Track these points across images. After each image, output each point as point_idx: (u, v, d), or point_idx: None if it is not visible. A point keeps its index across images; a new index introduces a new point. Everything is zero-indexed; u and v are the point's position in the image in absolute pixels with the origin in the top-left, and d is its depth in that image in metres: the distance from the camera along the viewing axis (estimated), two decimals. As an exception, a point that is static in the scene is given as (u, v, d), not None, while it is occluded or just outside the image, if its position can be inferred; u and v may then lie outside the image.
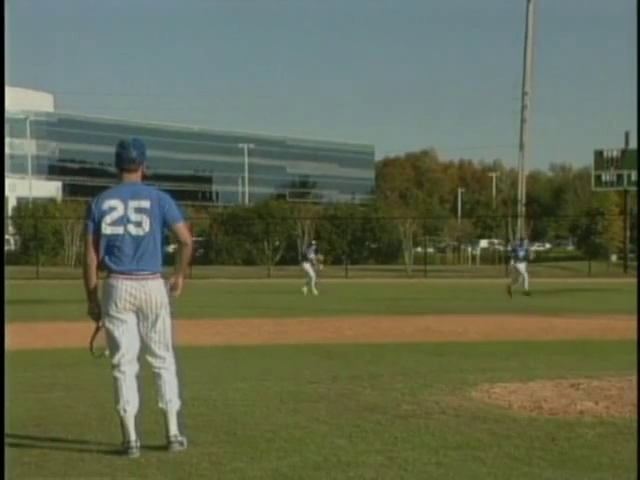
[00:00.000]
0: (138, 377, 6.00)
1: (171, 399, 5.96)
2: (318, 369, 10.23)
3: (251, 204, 78.52)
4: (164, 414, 5.95)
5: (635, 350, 12.32)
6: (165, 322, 5.99)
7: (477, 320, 18.38)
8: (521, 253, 28.30)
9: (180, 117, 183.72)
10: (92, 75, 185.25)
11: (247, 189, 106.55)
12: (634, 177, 51.48)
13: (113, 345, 5.95)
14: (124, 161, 6.00)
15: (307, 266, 30.11)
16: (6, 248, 59.69)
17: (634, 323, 17.12)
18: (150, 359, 6.00)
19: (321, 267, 31.13)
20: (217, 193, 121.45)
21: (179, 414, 6.01)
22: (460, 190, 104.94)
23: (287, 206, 69.78)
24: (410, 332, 15.84)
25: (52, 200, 73.61)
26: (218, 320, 17.74)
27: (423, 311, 20.86)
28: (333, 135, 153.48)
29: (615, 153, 52.08)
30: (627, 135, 52.29)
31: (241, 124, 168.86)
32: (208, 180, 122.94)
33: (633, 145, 52.18)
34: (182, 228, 6.00)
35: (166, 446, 5.88)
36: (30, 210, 63.47)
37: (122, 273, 5.86)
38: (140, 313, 5.92)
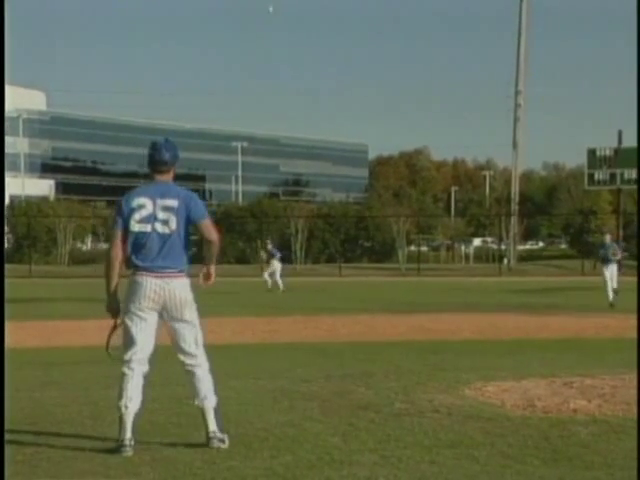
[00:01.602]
0: (145, 377, 6.01)
1: (206, 396, 5.99)
2: (312, 368, 10.24)
3: (244, 203, 78.46)
4: (201, 411, 5.99)
5: (629, 348, 12.35)
6: (192, 319, 6.03)
7: (471, 318, 18.41)
8: (603, 252, 22.64)
9: (173, 115, 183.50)
10: (85, 73, 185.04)
11: (240, 187, 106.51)
12: (627, 176, 51.60)
13: (128, 341, 5.96)
14: (156, 163, 6.08)
15: (275, 262, 31.26)
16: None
17: (627, 322, 17.16)
18: (181, 357, 6.02)
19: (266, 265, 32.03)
20: (210, 191, 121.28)
21: (216, 411, 6.02)
22: (453, 189, 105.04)
23: (280, 205, 69.72)
24: (404, 331, 15.86)
25: (45, 198, 73.58)
26: (211, 319, 17.72)
27: (417, 310, 20.88)
28: (327, 133, 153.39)
29: (608, 152, 52.15)
30: (620, 134, 52.39)
31: (234, 122, 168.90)
32: (201, 178, 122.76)
33: (626, 144, 52.31)
34: (208, 225, 6.05)
35: (205, 443, 5.91)
36: (23, 208, 63.31)
37: (148, 270, 5.89)
38: (165, 311, 5.94)
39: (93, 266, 52.62)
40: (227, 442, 5.95)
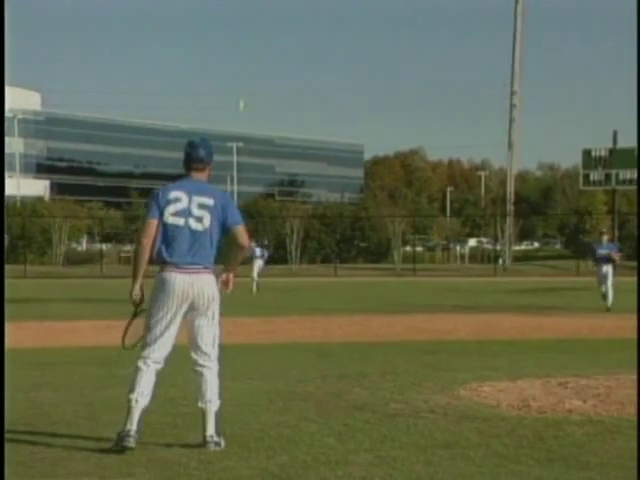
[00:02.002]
0: (158, 375, 6.02)
1: (211, 399, 5.99)
2: (307, 368, 10.24)
3: (240, 203, 78.39)
4: (203, 414, 5.98)
5: (624, 349, 12.37)
6: (215, 318, 6.04)
7: (466, 319, 18.42)
8: (601, 252, 20.96)
9: (169, 116, 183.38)
10: (80, 74, 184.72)
11: (236, 188, 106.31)
12: (622, 176, 51.73)
13: (150, 337, 5.93)
14: (193, 160, 6.11)
15: (261, 263, 30.90)
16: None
17: (622, 322, 17.19)
18: (194, 356, 6.01)
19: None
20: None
21: (217, 415, 6.02)
22: (449, 189, 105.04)
23: (276, 205, 69.77)
24: (399, 331, 15.87)
25: (40, 199, 73.52)
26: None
27: (412, 310, 20.89)
28: (322, 134, 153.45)
29: (603, 152, 52.28)
30: (615, 134, 52.51)
31: (230, 123, 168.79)
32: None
33: (621, 144, 52.44)
34: (243, 231, 6.08)
35: (201, 444, 5.92)
36: (18, 209, 63.30)
37: (176, 266, 5.88)
38: (191, 308, 5.93)
39: (88, 266, 52.67)
40: (223, 444, 5.95)
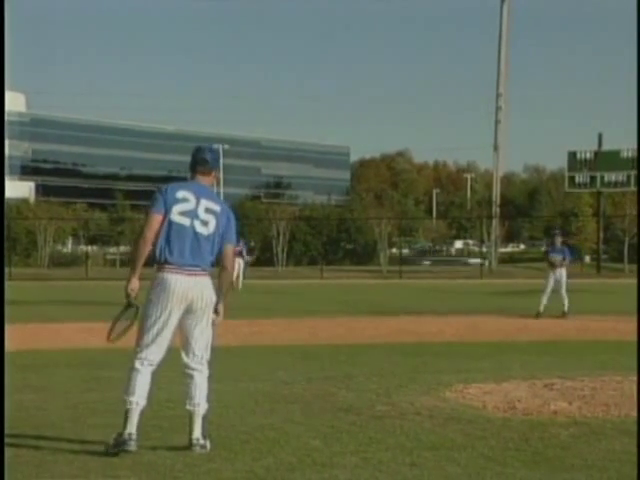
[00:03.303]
0: (153, 376, 5.99)
1: (199, 402, 5.98)
2: (293, 370, 10.23)
3: (226, 205, 78.27)
4: (190, 416, 5.96)
5: (608, 350, 12.42)
6: (209, 321, 6.02)
7: (452, 321, 18.45)
8: (555, 256, 19.90)
9: (154, 117, 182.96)
10: (66, 75, 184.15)
11: (222, 190, 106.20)
12: (607, 178, 51.94)
13: (147, 340, 5.86)
14: (199, 163, 6.11)
15: (240, 261, 30.68)
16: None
17: (607, 324, 17.26)
18: (186, 359, 5.98)
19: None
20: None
21: (204, 418, 6.01)
22: (435, 191, 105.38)
23: (262, 207, 69.74)
24: (385, 333, 15.87)
25: (25, 201, 73.19)
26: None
27: (398, 312, 20.90)
28: (308, 136, 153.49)
29: (589, 155, 52.48)
30: (600, 137, 52.75)
31: (216, 125, 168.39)
32: (183, 180, 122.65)
33: (606, 147, 52.68)
34: (232, 251, 6.10)
35: (186, 447, 5.90)
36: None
37: (178, 266, 5.83)
38: (188, 310, 5.89)
39: (74, 268, 52.47)
40: (209, 447, 5.93)
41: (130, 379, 5.87)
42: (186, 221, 5.87)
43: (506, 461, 5.66)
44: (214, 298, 6.00)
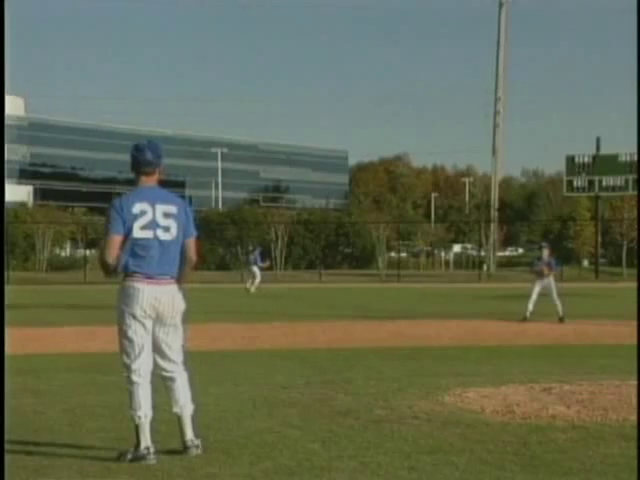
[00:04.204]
0: (151, 383, 5.98)
1: (185, 404, 5.97)
2: (291, 374, 10.22)
3: (224, 209, 78.33)
4: (179, 419, 5.96)
5: (607, 355, 12.42)
6: (180, 327, 6.01)
7: (450, 325, 18.45)
8: (538, 267, 20.42)
9: (153, 121, 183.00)
10: (64, 79, 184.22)
11: (220, 194, 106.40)
12: (605, 183, 51.99)
13: (134, 350, 5.83)
14: (142, 164, 5.96)
15: (255, 268, 33.62)
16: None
17: (605, 328, 17.26)
18: (163, 364, 5.97)
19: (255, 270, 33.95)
20: (190, 197, 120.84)
21: (192, 418, 6.00)
22: (433, 195, 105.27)
23: (260, 211, 69.76)
24: (383, 337, 15.87)
25: (23, 205, 73.15)
26: (191, 325, 17.66)
27: (396, 316, 20.90)
28: (307, 140, 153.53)
29: (587, 159, 52.55)
30: (598, 141, 52.81)
31: (214, 129, 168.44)
32: (181, 184, 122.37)
33: (604, 151, 52.73)
34: (193, 243, 6.04)
35: (182, 451, 5.89)
36: (0, 214, 62.88)
37: (147, 277, 5.80)
38: (159, 318, 5.87)
39: (72, 272, 52.44)
40: (201, 448, 5.93)
41: (133, 394, 5.84)
42: (149, 234, 5.81)
43: (504, 465, 5.66)
44: (183, 305, 5.99)
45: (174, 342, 5.99)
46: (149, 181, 5.99)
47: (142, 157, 5.96)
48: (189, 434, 5.94)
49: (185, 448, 5.90)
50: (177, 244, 5.93)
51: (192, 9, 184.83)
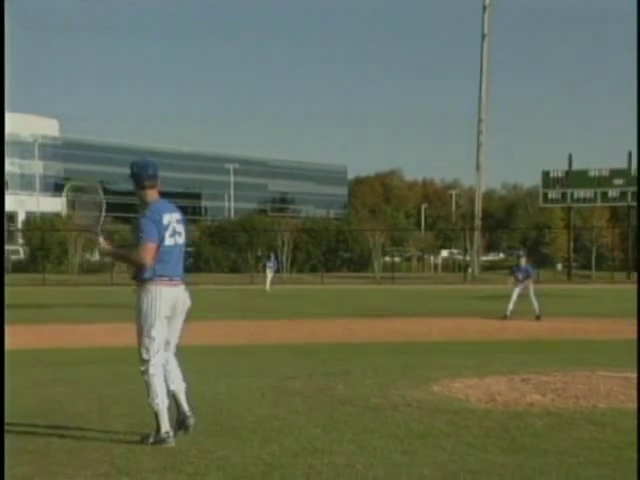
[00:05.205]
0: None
1: (180, 382, 6.00)
2: (296, 366, 10.20)
3: (236, 218, 78.31)
4: (175, 395, 5.95)
5: (578, 349, 12.41)
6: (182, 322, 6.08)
7: (439, 322, 18.43)
8: (518, 274, 20.36)
9: (173, 139, 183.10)
10: (93, 101, 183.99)
11: (232, 204, 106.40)
12: (576, 195, 52.05)
13: (157, 346, 5.85)
14: (146, 179, 6.01)
15: (269, 272, 36.77)
16: (16, 257, 59.25)
17: (577, 325, 17.24)
18: (165, 353, 5.97)
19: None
20: (206, 208, 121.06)
21: (186, 393, 6.03)
22: (423, 206, 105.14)
23: (268, 220, 69.74)
24: (379, 333, 15.85)
25: (57, 215, 73.13)
26: (204, 322, 17.67)
27: (391, 314, 20.88)
28: (310, 156, 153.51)
29: (560, 174, 52.63)
30: (570, 157, 52.84)
31: (227, 146, 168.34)
32: (197, 196, 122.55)
33: (576, 166, 52.79)
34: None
35: (182, 422, 5.89)
36: (37, 224, 63.06)
37: (169, 278, 5.85)
38: (173, 314, 5.91)
39: (100, 275, 52.43)
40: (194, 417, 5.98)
41: (151, 384, 5.84)
42: (172, 240, 5.90)
43: (487, 448, 5.64)
44: (189, 303, 6.04)
45: (177, 333, 6.03)
46: (155, 194, 6.04)
47: (146, 173, 6.02)
48: (185, 406, 5.98)
49: (185, 417, 5.93)
50: (184, 247, 6.05)
51: (209, 40, 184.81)
